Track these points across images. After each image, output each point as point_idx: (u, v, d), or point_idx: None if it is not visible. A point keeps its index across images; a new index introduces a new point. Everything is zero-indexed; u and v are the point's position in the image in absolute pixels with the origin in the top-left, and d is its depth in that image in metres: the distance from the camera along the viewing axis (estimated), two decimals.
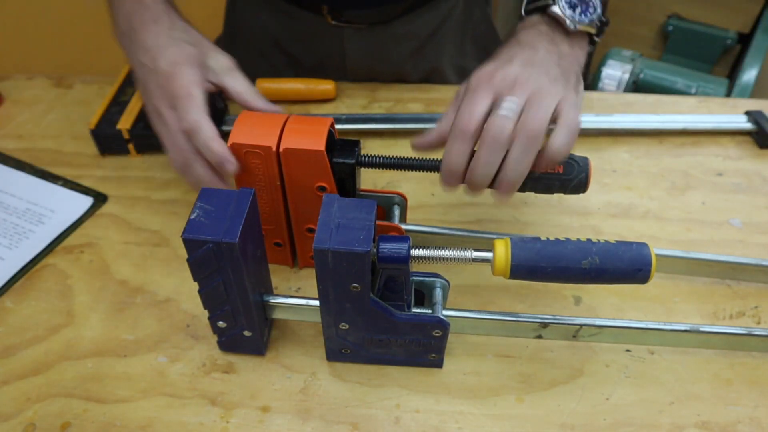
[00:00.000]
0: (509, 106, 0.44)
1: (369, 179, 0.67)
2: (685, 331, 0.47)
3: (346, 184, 0.49)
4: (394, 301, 0.44)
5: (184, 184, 0.65)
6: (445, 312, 0.46)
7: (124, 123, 0.67)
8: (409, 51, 0.80)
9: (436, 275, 0.47)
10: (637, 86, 1.56)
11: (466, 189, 0.48)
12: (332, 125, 0.48)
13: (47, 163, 0.68)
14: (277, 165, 0.47)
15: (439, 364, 0.49)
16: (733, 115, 0.75)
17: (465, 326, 0.48)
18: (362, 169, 0.51)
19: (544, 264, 0.42)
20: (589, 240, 0.43)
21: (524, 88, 0.45)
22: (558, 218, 0.63)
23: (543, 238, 0.43)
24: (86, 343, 0.50)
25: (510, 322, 0.47)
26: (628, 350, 0.51)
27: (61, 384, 0.48)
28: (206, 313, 0.46)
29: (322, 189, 0.48)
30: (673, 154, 0.72)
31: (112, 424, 0.45)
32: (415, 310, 0.46)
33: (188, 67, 0.50)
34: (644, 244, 0.42)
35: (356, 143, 0.49)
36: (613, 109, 0.78)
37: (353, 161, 0.48)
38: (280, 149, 0.46)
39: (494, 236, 0.53)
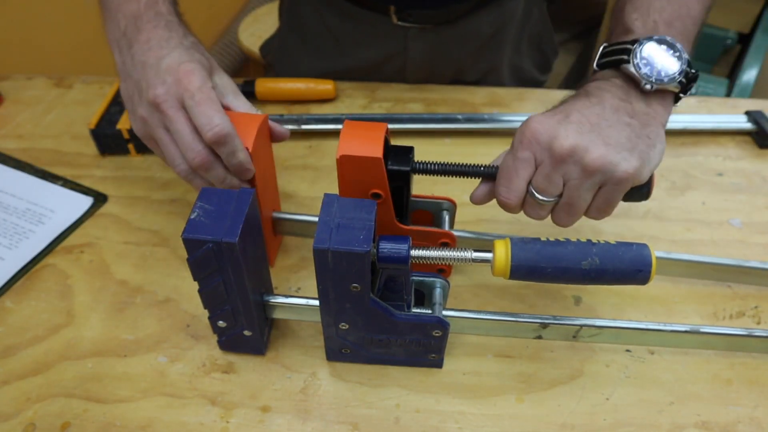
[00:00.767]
0: (543, 200, 0.44)
1: None
2: (685, 331, 0.47)
3: (402, 191, 0.48)
4: (394, 301, 0.44)
5: (184, 184, 0.65)
6: (445, 312, 0.46)
7: (124, 123, 0.67)
8: (471, 51, 0.80)
9: (436, 275, 0.47)
10: None
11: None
12: (387, 131, 0.47)
13: (47, 163, 0.68)
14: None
15: (439, 364, 0.49)
16: (733, 115, 0.75)
17: (465, 326, 0.48)
18: None
19: (544, 264, 0.42)
20: (589, 240, 0.43)
21: (563, 170, 0.42)
22: None
23: (543, 238, 0.43)
24: (86, 343, 0.50)
25: (510, 322, 0.47)
26: (628, 350, 0.51)
27: (61, 384, 0.48)
28: (206, 313, 0.46)
29: (377, 196, 0.47)
30: (673, 154, 0.72)
31: (112, 424, 0.45)
32: (415, 310, 0.46)
33: (202, 69, 0.47)
34: (644, 245, 0.42)
35: (410, 150, 0.48)
36: None
37: (408, 168, 0.47)
38: (338, 156, 0.45)
39: (494, 236, 0.53)
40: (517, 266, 0.42)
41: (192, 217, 0.40)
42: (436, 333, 0.45)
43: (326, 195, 0.42)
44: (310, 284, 0.56)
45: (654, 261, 0.42)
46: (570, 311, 0.54)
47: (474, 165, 0.48)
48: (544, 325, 0.47)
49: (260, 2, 1.79)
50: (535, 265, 0.42)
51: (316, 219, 0.50)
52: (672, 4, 0.47)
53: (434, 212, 0.54)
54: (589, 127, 0.42)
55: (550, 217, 0.47)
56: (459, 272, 0.57)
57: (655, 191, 0.66)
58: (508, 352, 0.50)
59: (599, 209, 0.45)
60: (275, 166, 0.56)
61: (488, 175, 0.48)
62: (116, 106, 0.70)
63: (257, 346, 0.49)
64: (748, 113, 0.75)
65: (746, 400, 0.48)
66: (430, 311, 0.45)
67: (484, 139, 0.73)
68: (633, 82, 0.45)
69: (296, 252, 0.59)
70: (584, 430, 0.45)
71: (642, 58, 0.44)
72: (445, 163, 0.48)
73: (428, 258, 0.43)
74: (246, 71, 1.83)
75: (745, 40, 1.63)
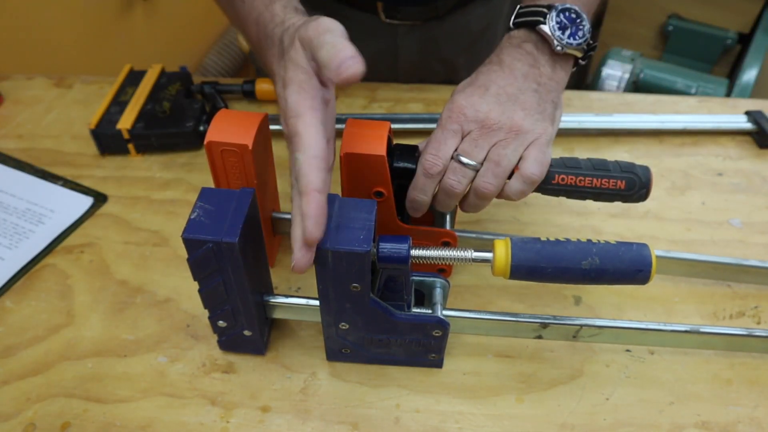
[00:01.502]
0: (467, 162, 0.47)
1: None
2: (685, 331, 0.47)
3: (405, 189, 0.49)
4: (394, 301, 0.44)
5: (184, 184, 0.65)
6: (445, 312, 0.46)
7: (124, 123, 0.67)
8: (462, 47, 0.81)
9: (436, 275, 0.47)
10: (637, 86, 1.56)
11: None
12: (390, 130, 0.48)
13: (47, 163, 0.68)
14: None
15: (439, 364, 0.49)
16: (733, 115, 0.75)
17: (465, 326, 0.48)
18: None
19: (544, 264, 0.42)
20: (589, 240, 0.43)
21: (490, 136, 0.47)
22: (558, 218, 0.63)
23: (543, 238, 0.43)
24: (86, 343, 0.50)
25: (510, 322, 0.47)
26: (628, 350, 0.51)
27: (61, 384, 0.48)
28: (206, 313, 0.46)
29: (379, 194, 0.48)
30: (673, 154, 0.72)
31: (112, 424, 0.45)
32: (415, 310, 0.46)
33: (311, 112, 0.41)
34: (644, 245, 0.42)
35: (415, 148, 0.49)
36: (613, 109, 0.78)
37: (414, 166, 0.47)
38: (341, 154, 0.45)
39: (494, 236, 0.53)
40: (517, 266, 0.42)
41: (192, 217, 0.40)
42: (436, 333, 0.45)
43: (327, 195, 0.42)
44: (310, 284, 0.56)
45: (654, 261, 0.42)
46: (570, 311, 0.54)
47: None
48: (544, 325, 0.47)
49: None
50: (535, 265, 0.42)
51: None
52: None
53: (435, 211, 0.54)
54: (506, 98, 0.48)
55: (479, 187, 0.47)
56: (459, 272, 0.57)
57: (655, 191, 0.66)
58: (508, 352, 0.50)
59: (525, 168, 0.47)
60: (275, 166, 0.56)
61: None
62: (116, 106, 0.70)
63: (257, 346, 0.49)
64: (748, 113, 0.75)
65: (746, 400, 0.48)
66: (430, 311, 0.45)
67: None
68: (544, 46, 0.50)
69: None
70: (584, 430, 0.45)
71: (557, 22, 0.49)
72: None
73: (428, 258, 0.43)
74: (246, 71, 1.83)
75: (745, 40, 1.63)
